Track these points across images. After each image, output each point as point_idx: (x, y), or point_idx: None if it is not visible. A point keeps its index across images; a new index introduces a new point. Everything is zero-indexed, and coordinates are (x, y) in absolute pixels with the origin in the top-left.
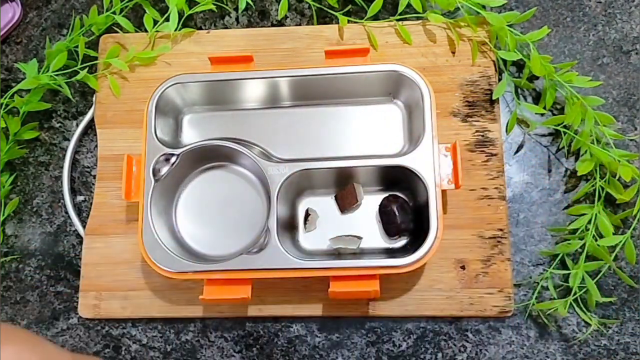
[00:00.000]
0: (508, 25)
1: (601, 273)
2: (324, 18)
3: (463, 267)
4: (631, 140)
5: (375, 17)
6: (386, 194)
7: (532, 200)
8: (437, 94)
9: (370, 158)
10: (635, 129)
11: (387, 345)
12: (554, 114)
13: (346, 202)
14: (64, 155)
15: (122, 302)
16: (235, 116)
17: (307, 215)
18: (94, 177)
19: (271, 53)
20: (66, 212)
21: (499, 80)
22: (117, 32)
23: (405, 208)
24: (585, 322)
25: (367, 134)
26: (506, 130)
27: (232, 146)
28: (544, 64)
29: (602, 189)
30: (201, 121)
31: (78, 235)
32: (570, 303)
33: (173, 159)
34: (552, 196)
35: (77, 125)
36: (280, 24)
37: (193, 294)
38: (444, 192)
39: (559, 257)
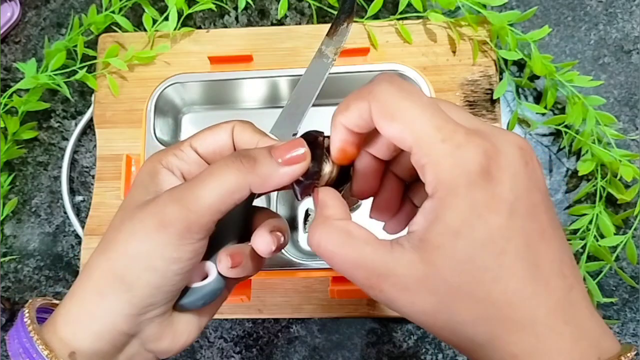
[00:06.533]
0: (509, 25)
1: (602, 273)
2: (324, 17)
3: None
4: (632, 140)
5: (376, 17)
6: None
7: None
8: (437, 94)
9: None
10: (637, 128)
11: (387, 346)
12: (555, 114)
13: (346, 202)
14: (63, 155)
15: None
16: (235, 116)
17: (307, 215)
18: (93, 177)
19: (271, 52)
20: (65, 213)
21: (500, 79)
22: (116, 31)
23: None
24: None
25: None
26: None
27: None
28: (545, 63)
29: (604, 189)
30: (201, 121)
31: (77, 236)
32: None
33: None
34: (553, 196)
35: (76, 125)
36: (280, 23)
37: None
38: None
39: None
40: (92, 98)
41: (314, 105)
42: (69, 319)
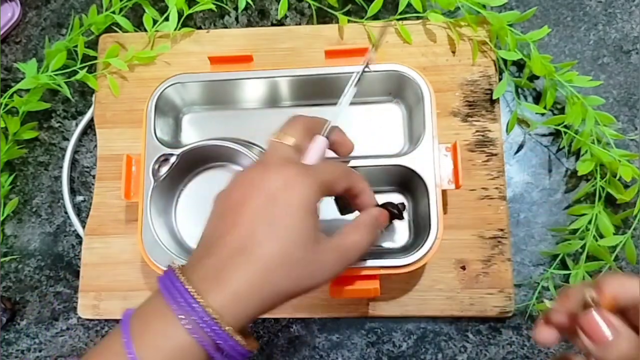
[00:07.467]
0: (508, 25)
1: (602, 273)
2: (324, 17)
3: (463, 268)
4: (631, 140)
5: (376, 17)
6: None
7: (532, 201)
8: (437, 94)
9: (370, 158)
10: (636, 128)
11: (387, 346)
12: (554, 114)
13: (346, 202)
14: (64, 155)
15: (122, 303)
16: (235, 116)
17: None
18: (94, 177)
19: (271, 53)
20: (65, 212)
21: (499, 79)
22: (116, 31)
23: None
24: None
25: (367, 133)
26: (506, 130)
27: (232, 146)
28: (545, 63)
29: (603, 189)
30: (201, 121)
31: (77, 236)
32: None
33: (173, 159)
34: (552, 196)
35: (77, 125)
36: (280, 23)
37: None
38: (444, 192)
39: (559, 257)
40: (93, 98)
41: (314, 105)
42: None
